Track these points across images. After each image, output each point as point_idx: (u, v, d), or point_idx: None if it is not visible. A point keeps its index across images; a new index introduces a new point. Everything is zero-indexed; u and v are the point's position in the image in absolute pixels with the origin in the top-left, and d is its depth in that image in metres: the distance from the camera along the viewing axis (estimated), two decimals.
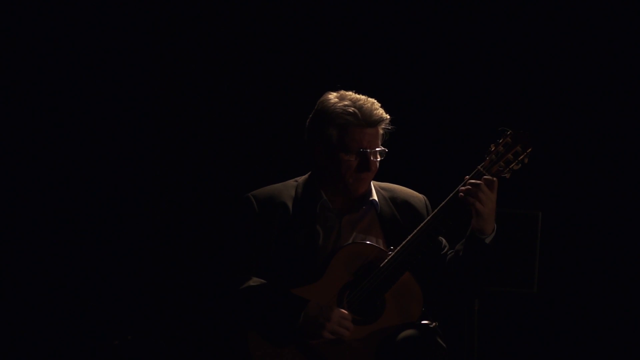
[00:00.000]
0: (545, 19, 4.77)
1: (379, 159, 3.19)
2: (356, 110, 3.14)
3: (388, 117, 3.18)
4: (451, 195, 3.07)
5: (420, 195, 3.33)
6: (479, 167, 3.06)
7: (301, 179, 3.31)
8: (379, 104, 3.18)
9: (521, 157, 3.04)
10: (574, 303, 4.77)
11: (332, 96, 3.21)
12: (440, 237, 3.26)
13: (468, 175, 3.06)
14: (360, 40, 4.86)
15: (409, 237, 3.08)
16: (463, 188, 3.04)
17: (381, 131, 3.18)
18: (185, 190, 4.82)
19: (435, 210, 3.09)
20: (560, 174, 4.77)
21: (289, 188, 3.27)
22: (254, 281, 3.10)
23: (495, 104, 4.79)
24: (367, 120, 3.14)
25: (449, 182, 3.10)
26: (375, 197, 3.26)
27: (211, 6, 4.81)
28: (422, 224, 3.09)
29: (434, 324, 3.12)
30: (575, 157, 4.78)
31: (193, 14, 4.81)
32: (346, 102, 3.16)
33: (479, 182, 3.01)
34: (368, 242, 3.16)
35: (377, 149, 3.17)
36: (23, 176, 4.60)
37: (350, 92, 3.22)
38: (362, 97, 3.19)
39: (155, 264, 4.76)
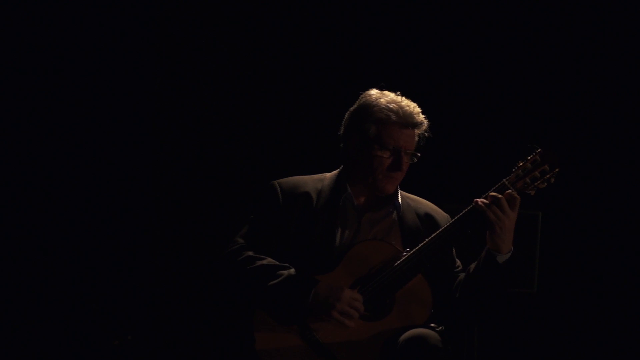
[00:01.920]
0: (547, 33, 4.80)
1: (410, 162, 3.22)
2: (398, 109, 3.19)
3: (427, 123, 3.22)
4: (471, 206, 3.07)
5: (445, 213, 3.34)
6: (504, 180, 3.08)
7: (329, 174, 3.35)
8: (420, 110, 3.22)
9: (548, 176, 3.06)
10: (574, 303, 4.77)
11: (375, 92, 3.28)
12: (455, 258, 3.29)
13: (493, 187, 3.07)
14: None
15: (426, 240, 3.10)
16: (482, 198, 3.04)
17: (416, 137, 3.22)
18: (187, 191, 4.82)
19: (456, 217, 3.11)
20: (560, 175, 4.76)
21: (315, 181, 3.31)
22: (268, 261, 3.12)
23: (497, 107, 4.81)
24: (407, 120, 3.19)
25: (475, 193, 3.10)
26: (400, 201, 3.28)
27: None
28: (440, 229, 3.11)
29: (440, 327, 3.12)
30: (575, 157, 4.78)
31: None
32: (389, 99, 3.22)
33: (499, 195, 3.02)
34: (384, 241, 3.17)
35: (411, 151, 3.20)
36: (24, 176, 4.60)
37: (393, 93, 3.25)
38: (405, 99, 3.25)
39: (156, 263, 4.76)
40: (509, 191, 3.03)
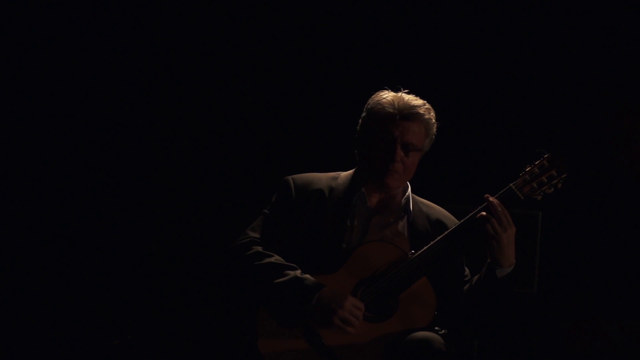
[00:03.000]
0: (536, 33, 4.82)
1: (410, 157, 3.18)
2: (394, 101, 3.17)
3: (430, 119, 3.19)
4: (479, 208, 3.06)
5: (457, 221, 3.31)
6: (511, 184, 3.07)
7: (344, 173, 3.34)
8: (429, 107, 3.19)
9: (555, 182, 3.06)
10: (574, 303, 4.78)
11: (384, 91, 3.25)
12: (464, 267, 3.28)
13: (499, 191, 3.06)
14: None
15: (431, 243, 3.09)
16: (485, 213, 3.03)
17: (419, 132, 3.17)
18: (191, 190, 4.82)
19: (461, 221, 3.10)
20: None
21: (329, 179, 3.30)
22: (276, 259, 3.12)
23: (507, 110, 4.82)
24: (402, 111, 3.15)
25: (482, 196, 3.09)
26: (411, 207, 3.27)
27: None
28: (446, 232, 3.10)
29: (443, 331, 3.12)
30: (574, 157, 4.77)
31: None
32: (392, 94, 3.21)
33: (499, 208, 3.01)
34: (389, 242, 3.17)
35: (409, 144, 3.17)
36: (25, 176, 4.59)
37: (403, 92, 3.24)
38: (411, 95, 3.21)
39: (156, 263, 4.76)
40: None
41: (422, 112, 3.18)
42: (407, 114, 3.16)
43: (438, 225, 3.26)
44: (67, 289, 4.62)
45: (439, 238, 3.10)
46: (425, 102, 3.22)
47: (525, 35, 4.85)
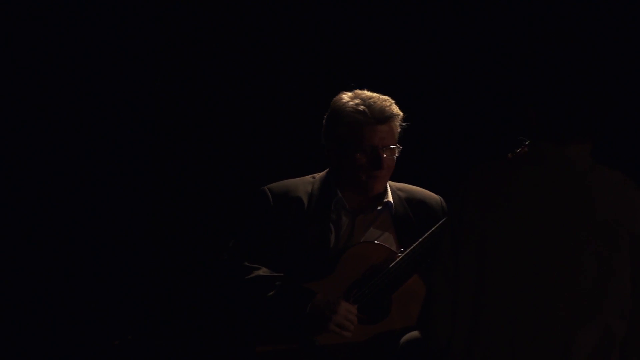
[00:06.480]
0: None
1: (392, 156, 3.19)
2: (365, 109, 3.16)
3: (401, 113, 3.19)
4: None
5: (437, 196, 3.32)
6: None
7: (318, 175, 3.33)
8: (393, 101, 3.19)
9: None
10: None
11: (345, 96, 3.25)
12: None
13: None
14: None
15: (420, 239, 3.09)
16: None
17: (397, 128, 3.18)
18: (188, 190, 4.81)
19: (442, 221, 3.09)
20: None
21: (305, 184, 3.29)
22: (264, 271, 3.12)
23: (488, 100, 4.80)
24: (377, 117, 3.15)
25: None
26: (390, 198, 3.27)
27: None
28: (434, 227, 3.10)
29: None
30: None
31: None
32: (357, 101, 3.19)
33: None
34: (378, 242, 3.17)
35: (390, 146, 3.17)
36: (24, 175, 4.59)
37: (364, 91, 3.23)
38: (375, 94, 3.22)
39: (156, 263, 4.76)
40: None
41: (394, 111, 3.19)
42: (383, 117, 3.17)
43: (420, 206, 3.26)
44: (67, 289, 4.62)
45: (426, 235, 3.09)
46: (387, 96, 3.22)
47: (511, 29, 4.83)
